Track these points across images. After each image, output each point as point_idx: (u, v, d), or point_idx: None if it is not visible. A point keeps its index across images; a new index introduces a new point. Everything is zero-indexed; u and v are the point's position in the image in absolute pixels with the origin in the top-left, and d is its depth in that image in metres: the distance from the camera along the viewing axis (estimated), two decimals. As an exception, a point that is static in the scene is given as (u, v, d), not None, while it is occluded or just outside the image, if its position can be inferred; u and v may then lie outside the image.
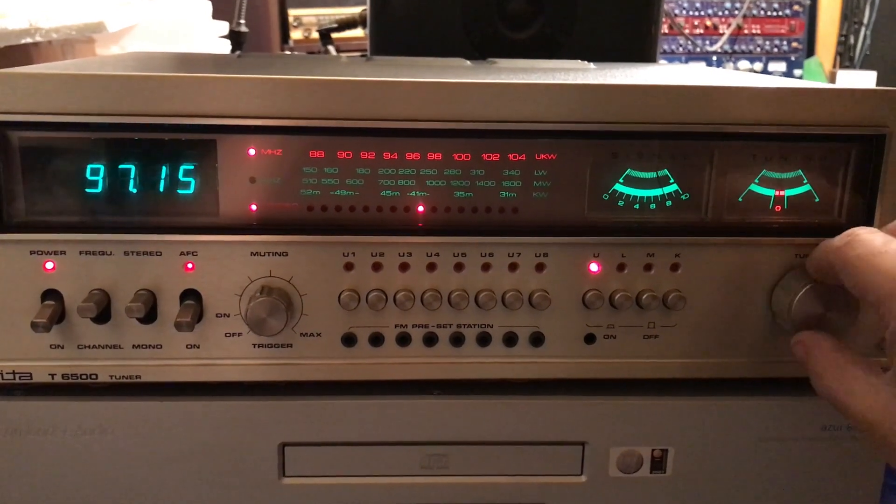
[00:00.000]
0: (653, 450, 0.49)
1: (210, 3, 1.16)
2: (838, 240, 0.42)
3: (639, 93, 0.45)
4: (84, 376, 0.46)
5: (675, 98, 0.45)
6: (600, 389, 0.49)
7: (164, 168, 0.44)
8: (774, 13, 2.10)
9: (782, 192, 0.47)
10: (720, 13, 2.08)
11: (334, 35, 1.10)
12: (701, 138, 0.46)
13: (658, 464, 0.49)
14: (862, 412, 0.39)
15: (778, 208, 0.47)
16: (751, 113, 0.45)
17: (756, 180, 0.47)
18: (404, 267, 0.46)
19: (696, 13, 2.08)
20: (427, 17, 0.82)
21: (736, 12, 2.06)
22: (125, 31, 1.00)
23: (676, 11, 2.05)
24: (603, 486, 0.49)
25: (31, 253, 0.44)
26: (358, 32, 1.32)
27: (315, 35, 1.56)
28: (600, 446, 0.49)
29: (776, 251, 0.47)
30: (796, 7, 2.10)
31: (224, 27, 1.19)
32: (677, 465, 0.49)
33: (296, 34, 1.61)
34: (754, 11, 2.08)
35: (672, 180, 0.46)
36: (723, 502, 0.50)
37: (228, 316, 0.46)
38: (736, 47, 2.07)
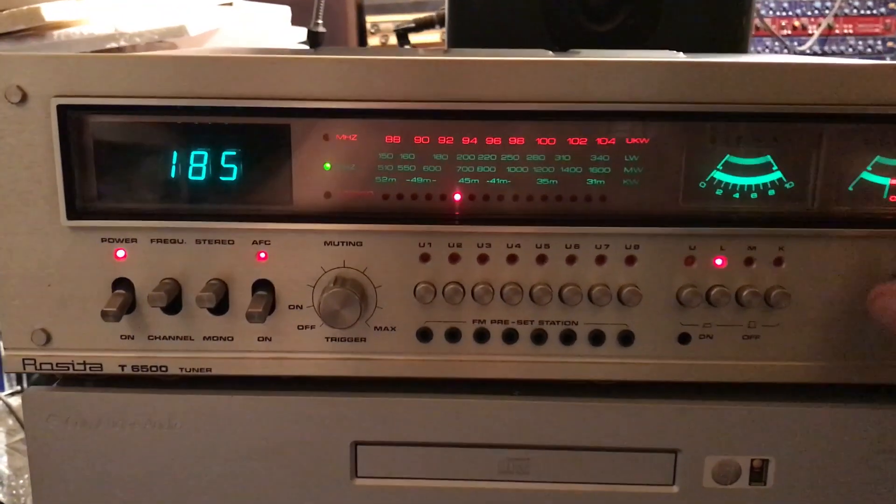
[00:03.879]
0: (752, 459, 0.47)
1: (289, 8, 1.17)
2: None
3: (737, 70, 0.42)
4: (154, 368, 0.45)
5: (778, 76, 0.42)
6: (695, 393, 0.46)
7: (236, 154, 0.43)
8: (868, 11, 2.01)
9: (899, 181, 0.43)
10: (809, 13, 2.00)
11: (412, 37, 1.09)
12: (807, 120, 0.43)
13: (758, 475, 0.47)
14: None
15: (893, 198, 0.44)
16: (864, 92, 0.42)
17: (868, 167, 0.44)
18: (483, 259, 0.44)
19: (784, 13, 2.00)
20: (506, 10, 0.80)
21: (826, 11, 1.99)
22: (206, 36, 1.01)
23: (763, 12, 1.98)
24: (697, 498, 0.47)
25: (103, 240, 0.44)
26: (436, 37, 1.31)
27: (392, 41, 1.56)
28: (694, 454, 0.46)
29: (891, 244, 0.44)
30: (892, 4, 2.01)
31: (303, 33, 1.20)
32: (780, 476, 0.46)
33: (373, 40, 1.61)
34: (846, 10, 1.99)
35: (775, 167, 0.43)
36: (831, 520, 0.46)
37: (301, 308, 0.45)
38: (826, 48, 1.99)
